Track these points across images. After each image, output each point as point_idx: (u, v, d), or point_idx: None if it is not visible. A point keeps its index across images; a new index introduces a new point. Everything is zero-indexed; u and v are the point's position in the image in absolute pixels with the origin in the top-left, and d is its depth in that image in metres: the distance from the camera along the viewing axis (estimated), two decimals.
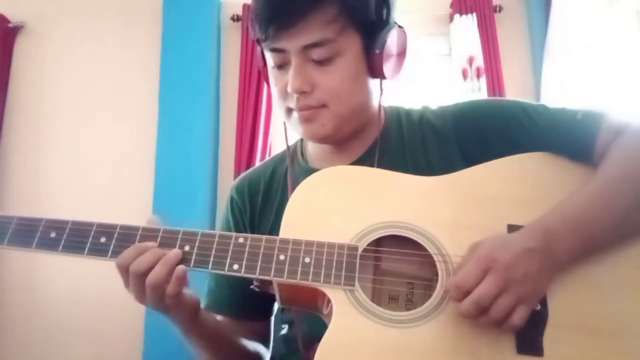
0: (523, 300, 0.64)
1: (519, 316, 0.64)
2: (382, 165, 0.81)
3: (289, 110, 0.85)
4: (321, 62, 0.79)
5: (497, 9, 2.59)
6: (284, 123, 0.91)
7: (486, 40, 2.52)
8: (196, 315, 0.79)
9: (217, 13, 2.77)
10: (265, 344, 0.98)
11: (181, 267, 0.71)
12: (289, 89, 0.80)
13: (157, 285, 0.70)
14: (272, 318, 0.99)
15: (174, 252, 0.72)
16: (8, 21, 2.84)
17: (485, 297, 0.63)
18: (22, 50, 2.88)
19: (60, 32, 2.88)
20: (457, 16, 2.56)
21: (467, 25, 2.53)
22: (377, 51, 0.81)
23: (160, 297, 0.71)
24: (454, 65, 2.54)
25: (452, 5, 2.62)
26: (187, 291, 0.75)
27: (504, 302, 0.63)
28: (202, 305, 0.95)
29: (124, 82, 2.80)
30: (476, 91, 2.46)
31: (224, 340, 0.90)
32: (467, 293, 0.64)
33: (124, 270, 0.71)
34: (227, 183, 2.53)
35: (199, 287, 1.01)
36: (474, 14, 2.55)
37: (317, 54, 0.79)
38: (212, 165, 2.63)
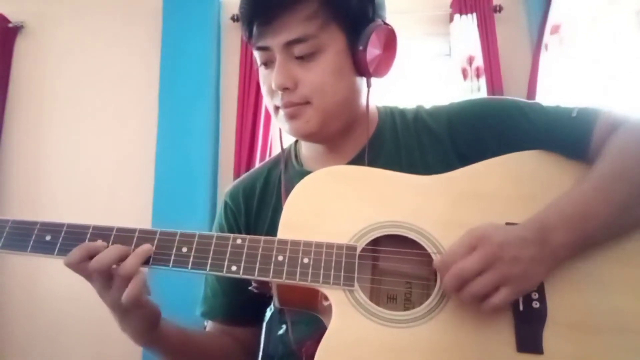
0: (508, 281, 0.63)
1: (500, 297, 0.63)
2: (378, 165, 0.81)
3: (276, 109, 0.85)
4: (304, 58, 0.80)
5: (497, 9, 2.59)
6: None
7: (486, 40, 2.52)
8: (155, 325, 0.78)
9: (217, 13, 2.77)
10: (250, 351, 0.97)
11: (142, 268, 0.71)
12: (273, 86, 0.81)
13: (127, 277, 0.69)
14: (264, 324, 0.99)
15: (146, 246, 0.71)
16: (8, 21, 2.85)
17: (466, 270, 0.63)
18: (22, 50, 2.88)
19: (60, 32, 2.88)
20: (457, 16, 2.55)
21: (467, 25, 2.52)
22: (361, 47, 0.81)
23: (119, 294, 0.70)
24: (454, 65, 2.54)
25: (452, 5, 2.61)
26: (149, 298, 0.74)
27: (486, 278, 0.63)
28: (198, 312, 0.97)
29: (124, 82, 2.80)
30: (475, 91, 2.45)
31: (190, 350, 0.89)
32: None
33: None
34: (227, 183, 2.51)
35: (196, 294, 1.01)
36: (474, 14, 2.54)
37: (299, 50, 0.79)
38: (212, 166, 2.62)
